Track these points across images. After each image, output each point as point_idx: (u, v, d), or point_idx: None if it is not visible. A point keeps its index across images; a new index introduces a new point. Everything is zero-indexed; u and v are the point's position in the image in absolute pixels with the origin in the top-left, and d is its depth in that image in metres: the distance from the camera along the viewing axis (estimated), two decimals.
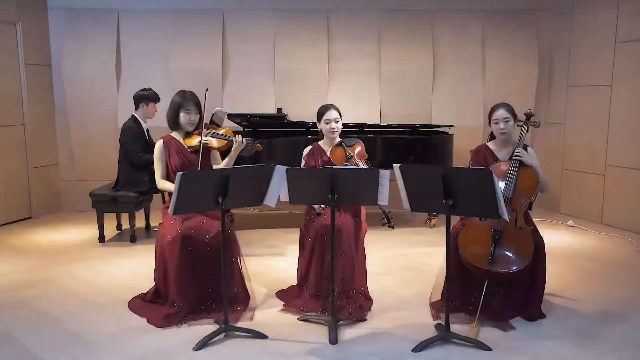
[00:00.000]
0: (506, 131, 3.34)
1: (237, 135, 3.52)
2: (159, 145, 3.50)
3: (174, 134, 3.56)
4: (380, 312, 3.31)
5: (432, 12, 6.29)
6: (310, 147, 3.67)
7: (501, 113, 3.34)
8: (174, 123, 3.51)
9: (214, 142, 3.52)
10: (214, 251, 3.22)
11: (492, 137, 3.50)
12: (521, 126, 3.42)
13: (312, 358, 2.76)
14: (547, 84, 6.38)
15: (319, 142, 3.67)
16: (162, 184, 3.50)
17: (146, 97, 4.94)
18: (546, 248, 3.25)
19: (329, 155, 3.58)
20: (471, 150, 3.56)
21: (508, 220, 3.02)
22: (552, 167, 6.14)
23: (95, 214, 4.90)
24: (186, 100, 3.46)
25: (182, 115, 3.47)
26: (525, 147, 3.37)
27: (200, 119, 3.54)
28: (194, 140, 3.51)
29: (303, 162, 3.62)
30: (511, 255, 3.07)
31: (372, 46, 6.28)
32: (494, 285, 3.14)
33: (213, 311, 3.21)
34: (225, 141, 3.52)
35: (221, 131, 3.60)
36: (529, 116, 3.44)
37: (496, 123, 3.36)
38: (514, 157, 3.27)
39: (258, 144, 3.52)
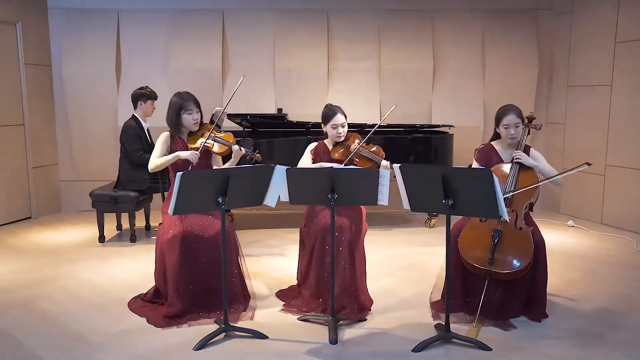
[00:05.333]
0: (516, 136, 3.33)
1: (236, 145, 3.50)
2: (165, 134, 3.50)
3: None
4: (380, 312, 3.31)
5: (432, 12, 6.30)
6: (315, 143, 3.66)
7: (512, 118, 3.30)
8: (176, 125, 3.50)
9: (216, 147, 3.51)
10: (213, 251, 3.23)
11: (495, 136, 3.49)
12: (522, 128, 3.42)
13: (312, 358, 2.76)
14: (547, 84, 6.38)
15: (324, 141, 3.66)
16: (155, 162, 3.44)
17: (144, 95, 4.94)
18: (546, 248, 3.25)
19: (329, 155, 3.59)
20: (476, 148, 3.54)
21: (508, 221, 3.02)
22: (552, 167, 6.12)
23: (95, 214, 4.90)
24: (185, 100, 3.46)
25: (185, 116, 3.46)
26: (527, 149, 3.38)
27: (202, 117, 3.55)
28: (197, 142, 3.51)
29: (310, 156, 3.58)
30: (511, 255, 3.07)
31: (372, 46, 6.29)
32: (494, 285, 3.14)
33: (213, 311, 3.21)
34: (227, 147, 3.52)
35: (222, 135, 3.59)
36: (530, 119, 3.44)
37: (506, 128, 3.32)
38: (514, 160, 3.28)
39: (257, 154, 3.51)
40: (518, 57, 6.27)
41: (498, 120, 3.37)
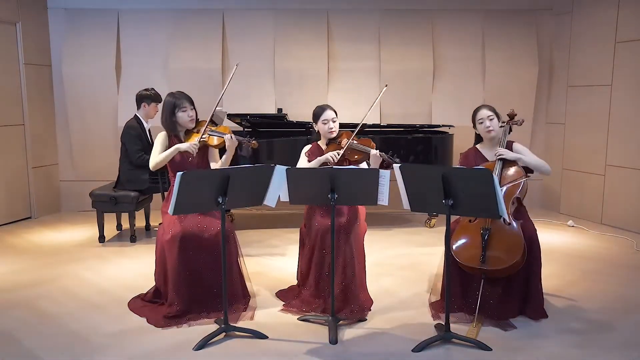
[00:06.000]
0: (492, 128, 3.39)
1: (228, 134, 3.49)
2: (163, 133, 3.50)
3: None
4: (380, 312, 3.31)
5: (432, 12, 6.30)
6: (309, 145, 3.67)
7: (484, 112, 3.40)
8: (171, 125, 3.49)
9: (214, 140, 3.52)
10: (213, 251, 3.23)
11: (478, 139, 3.54)
12: (503, 126, 3.47)
13: (312, 358, 2.76)
14: (547, 84, 6.38)
15: (318, 142, 3.66)
16: (155, 159, 3.43)
17: (148, 97, 4.95)
18: (546, 248, 3.27)
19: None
20: (461, 153, 3.59)
21: (509, 220, 3.02)
22: (552, 167, 6.08)
23: (95, 214, 4.90)
24: (178, 99, 3.46)
25: (180, 115, 3.46)
26: (510, 144, 3.42)
27: (196, 114, 3.56)
28: (194, 139, 3.51)
29: (306, 158, 3.58)
30: (502, 251, 3.07)
31: (372, 46, 6.29)
32: (491, 283, 3.15)
33: (213, 311, 3.21)
34: (223, 138, 3.52)
35: (219, 128, 3.60)
36: (511, 116, 3.50)
37: (481, 123, 3.41)
38: (497, 157, 3.32)
39: (253, 141, 3.51)
40: (518, 57, 6.27)
41: (473, 120, 3.47)
